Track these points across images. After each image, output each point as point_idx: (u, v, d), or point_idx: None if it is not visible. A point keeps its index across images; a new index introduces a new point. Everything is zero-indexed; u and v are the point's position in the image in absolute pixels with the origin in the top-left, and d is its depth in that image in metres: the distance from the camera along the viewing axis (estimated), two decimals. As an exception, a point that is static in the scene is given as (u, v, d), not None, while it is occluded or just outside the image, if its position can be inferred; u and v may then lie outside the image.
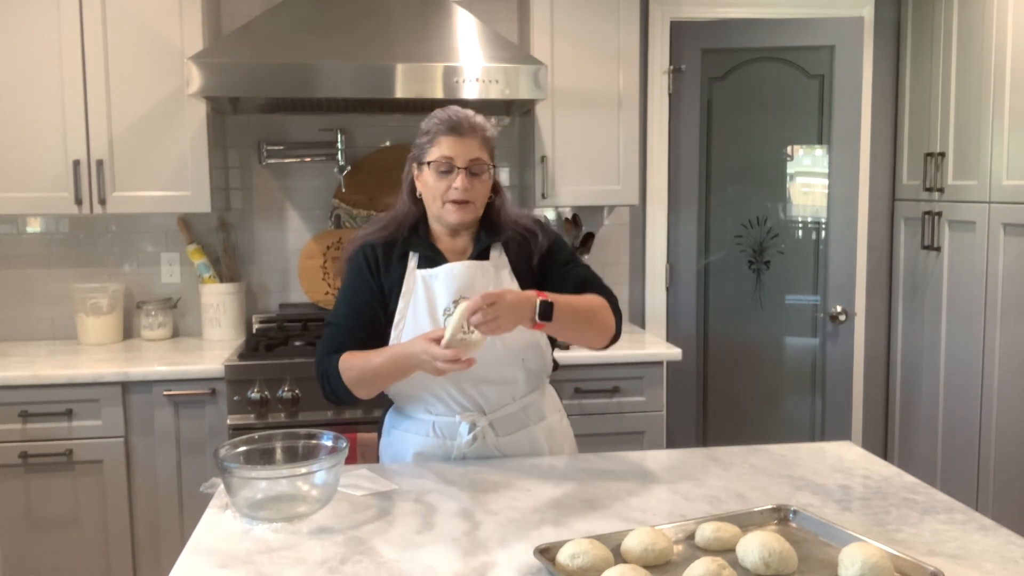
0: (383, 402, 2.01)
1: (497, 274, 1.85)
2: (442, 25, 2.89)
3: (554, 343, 1.93)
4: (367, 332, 1.83)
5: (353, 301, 1.85)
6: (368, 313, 1.84)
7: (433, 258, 1.84)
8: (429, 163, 1.79)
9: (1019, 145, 2.88)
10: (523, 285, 1.85)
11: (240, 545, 1.43)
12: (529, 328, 1.67)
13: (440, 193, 1.79)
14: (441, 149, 1.78)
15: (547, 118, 3.10)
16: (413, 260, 1.85)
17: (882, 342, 3.71)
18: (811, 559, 1.34)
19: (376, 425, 2.88)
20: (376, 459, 2.61)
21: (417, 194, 1.85)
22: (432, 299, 1.82)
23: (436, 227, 1.87)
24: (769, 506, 1.50)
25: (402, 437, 1.93)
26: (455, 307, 1.77)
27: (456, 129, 1.78)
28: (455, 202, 1.78)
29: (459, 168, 1.77)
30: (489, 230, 1.87)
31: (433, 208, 1.82)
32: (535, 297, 1.65)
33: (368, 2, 2.91)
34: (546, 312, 1.65)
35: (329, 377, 1.80)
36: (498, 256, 1.87)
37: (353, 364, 1.77)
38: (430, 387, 1.83)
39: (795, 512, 1.48)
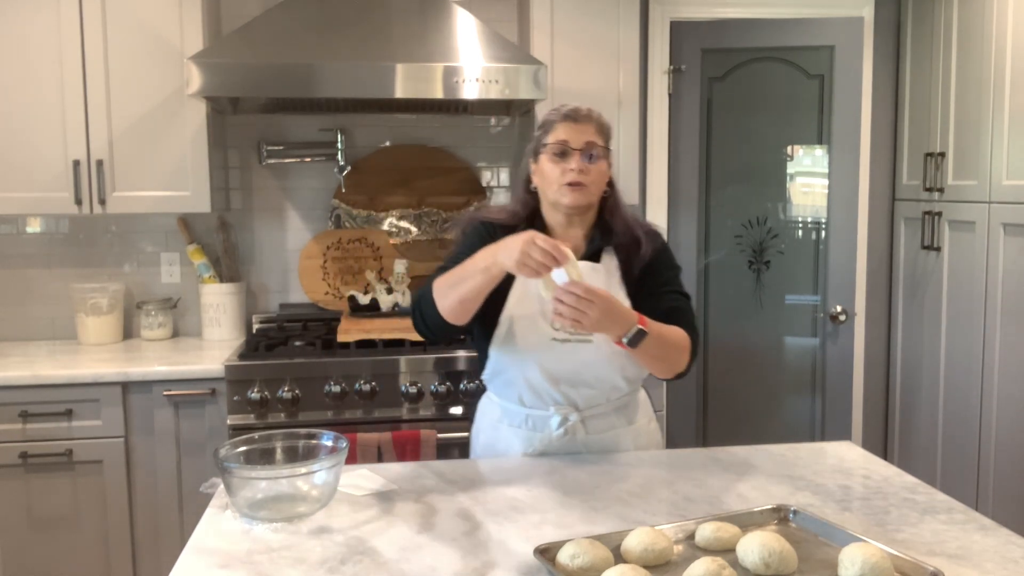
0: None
1: (608, 279, 1.85)
2: (442, 25, 2.89)
3: None
4: None
5: (469, 255, 1.78)
6: None
7: None
8: (545, 147, 1.81)
9: (1019, 145, 2.88)
10: (628, 294, 1.85)
11: (240, 545, 1.43)
12: (611, 341, 1.69)
13: (556, 177, 1.80)
14: (557, 134, 1.81)
15: (547, 118, 3.10)
16: None
17: (882, 342, 3.71)
18: (811, 559, 1.33)
19: (377, 425, 2.89)
20: (376, 459, 2.62)
21: (532, 186, 1.88)
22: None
23: (552, 217, 1.88)
24: (769, 506, 1.50)
25: (495, 424, 1.96)
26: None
27: (571, 116, 1.81)
28: (571, 184, 1.78)
29: (574, 150, 1.79)
30: (602, 231, 1.88)
31: (549, 193, 1.84)
32: (635, 322, 1.66)
33: (368, 2, 2.91)
34: (636, 341, 1.66)
35: (423, 298, 1.82)
36: (609, 260, 1.87)
37: (444, 278, 1.77)
38: (529, 378, 1.85)
39: (795, 512, 1.48)
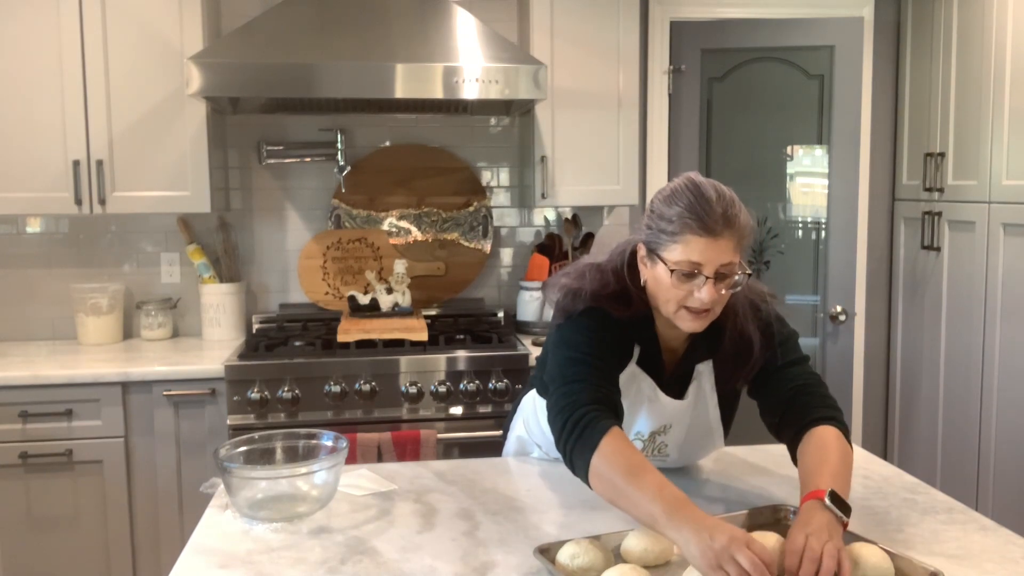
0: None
1: (699, 392, 1.65)
2: (442, 25, 2.89)
3: (728, 425, 1.77)
4: (615, 376, 1.56)
5: (603, 338, 1.55)
6: (617, 366, 1.58)
7: (655, 358, 1.62)
8: (668, 263, 1.46)
9: (1019, 145, 2.88)
10: (722, 401, 1.68)
11: (240, 545, 1.43)
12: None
13: (676, 298, 1.48)
14: (688, 252, 1.44)
15: (547, 118, 3.10)
16: (636, 351, 1.61)
17: (882, 342, 3.71)
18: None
19: (377, 425, 2.88)
20: (376, 459, 2.62)
21: (642, 281, 1.56)
22: (635, 411, 1.64)
23: (660, 318, 1.59)
24: (768, 506, 1.50)
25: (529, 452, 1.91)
26: (648, 434, 1.66)
27: (709, 228, 1.42)
28: (693, 310, 1.49)
29: (707, 277, 1.44)
30: (709, 336, 1.59)
31: (664, 308, 1.52)
32: (837, 518, 1.32)
33: (368, 2, 2.91)
34: (846, 509, 1.34)
35: (581, 436, 1.42)
36: (704, 372, 1.65)
37: (617, 457, 1.37)
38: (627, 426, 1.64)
39: (794, 511, 1.48)
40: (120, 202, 2.94)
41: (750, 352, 1.58)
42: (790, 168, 3.52)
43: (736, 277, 1.47)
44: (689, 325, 1.50)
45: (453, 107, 3.18)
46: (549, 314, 2.38)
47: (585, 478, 1.41)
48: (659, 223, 1.48)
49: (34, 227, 3.25)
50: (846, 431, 1.51)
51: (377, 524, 1.51)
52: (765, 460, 1.85)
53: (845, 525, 1.32)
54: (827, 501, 1.32)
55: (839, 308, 3.48)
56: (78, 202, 2.90)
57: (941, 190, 3.29)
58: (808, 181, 3.52)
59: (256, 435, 1.68)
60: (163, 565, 2.74)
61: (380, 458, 2.63)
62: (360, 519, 1.53)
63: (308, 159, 3.32)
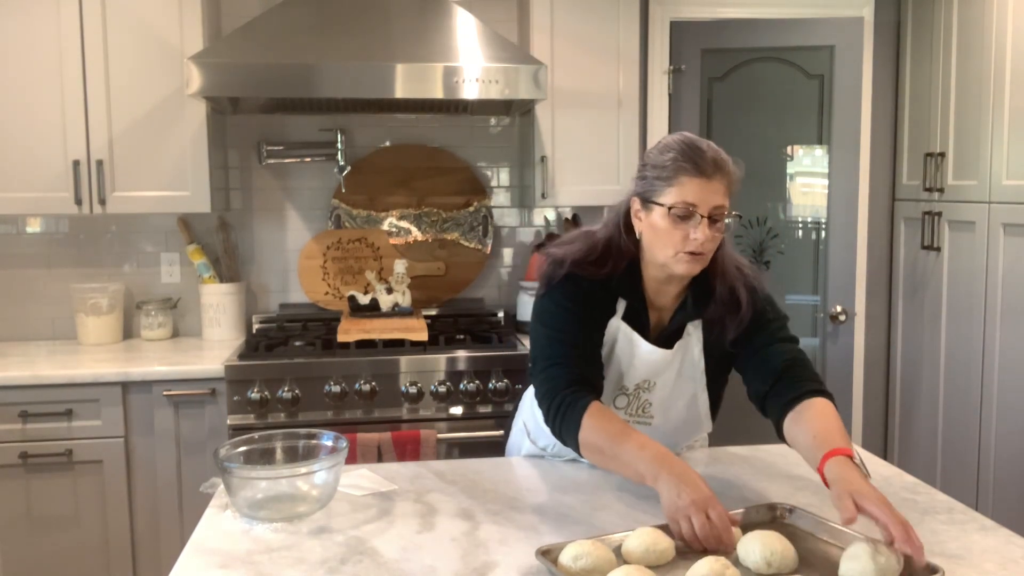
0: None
1: (686, 354, 1.70)
2: (442, 25, 2.89)
3: (716, 409, 1.82)
4: (593, 352, 1.65)
5: (577, 312, 1.63)
6: (595, 338, 1.66)
7: (640, 312, 1.67)
8: (666, 206, 1.54)
9: (1019, 145, 2.88)
10: (708, 366, 1.71)
11: (240, 545, 1.43)
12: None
13: (674, 242, 1.55)
14: (683, 193, 1.53)
15: (547, 118, 3.10)
16: (621, 307, 1.67)
17: (882, 342, 3.71)
18: (810, 557, 1.34)
19: (377, 425, 2.88)
20: (376, 459, 2.62)
21: (637, 234, 1.62)
22: (619, 366, 1.69)
23: (648, 275, 1.66)
24: (764, 504, 1.50)
25: (532, 452, 1.91)
26: (633, 387, 1.69)
27: (702, 168, 1.53)
28: (691, 253, 1.55)
29: (702, 216, 1.53)
30: (697, 295, 1.66)
31: (660, 255, 1.58)
32: (861, 472, 1.39)
33: (368, 2, 2.91)
34: (864, 469, 1.41)
35: (565, 417, 1.56)
36: (692, 334, 1.70)
37: (599, 429, 1.52)
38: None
39: (791, 510, 1.48)
40: (120, 202, 2.94)
41: (738, 308, 1.64)
42: (790, 168, 3.52)
43: (727, 220, 1.57)
44: (685, 268, 1.57)
45: (453, 107, 3.18)
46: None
47: (579, 452, 1.57)
48: (654, 171, 1.57)
49: (34, 227, 3.25)
50: (828, 390, 1.60)
51: (377, 524, 1.51)
52: (765, 460, 1.85)
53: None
54: (857, 460, 1.39)
55: (839, 308, 3.48)
56: (78, 202, 2.90)
57: (941, 190, 3.29)
58: (808, 181, 3.52)
59: (256, 435, 1.68)
60: (163, 565, 2.74)
61: (380, 458, 2.63)
62: (360, 519, 1.53)
63: (308, 159, 3.32)
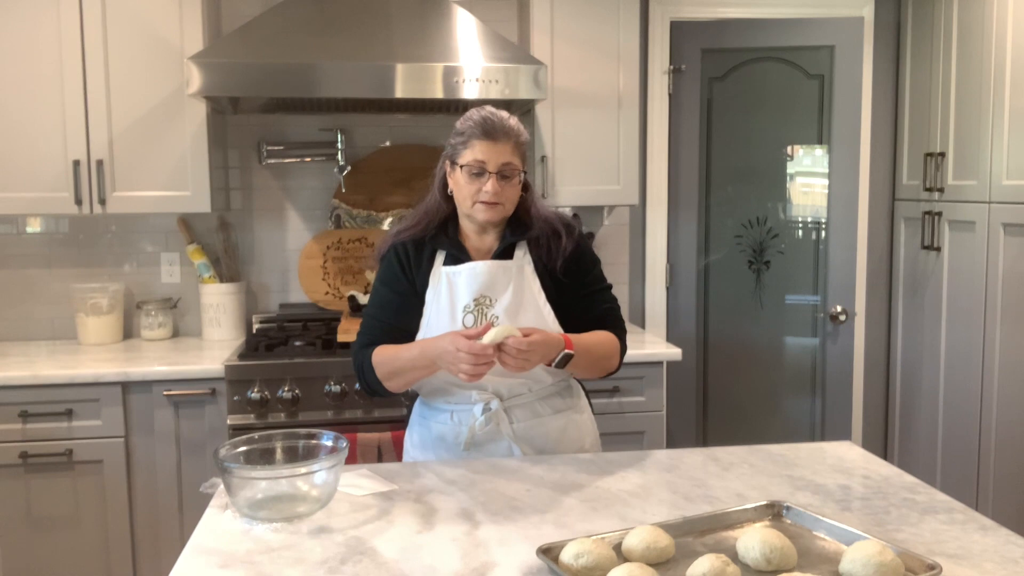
0: (397, 401, 2.03)
1: (519, 273, 1.89)
2: (442, 25, 2.89)
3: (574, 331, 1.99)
4: (402, 325, 1.89)
5: (386, 294, 1.92)
6: (402, 307, 1.91)
7: (459, 256, 1.89)
8: (461, 165, 1.83)
9: (1019, 145, 2.88)
10: (544, 285, 1.89)
11: (240, 545, 1.43)
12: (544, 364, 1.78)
13: (471, 194, 1.83)
14: (474, 152, 1.81)
15: (547, 118, 3.10)
16: (440, 257, 1.90)
17: (882, 342, 3.71)
18: (809, 554, 1.35)
19: (377, 425, 2.89)
20: (376, 459, 2.62)
21: (449, 191, 1.90)
22: (454, 297, 1.87)
23: (465, 225, 1.92)
24: (762, 502, 1.51)
25: (424, 427, 1.97)
26: (475, 305, 1.86)
27: (490, 133, 1.81)
28: (485, 203, 1.83)
29: (490, 172, 1.81)
30: (516, 227, 1.91)
31: (463, 207, 1.87)
32: (562, 347, 1.76)
33: (368, 2, 2.91)
34: (563, 363, 1.77)
35: (364, 371, 1.88)
36: (523, 255, 1.91)
37: (385, 357, 1.85)
38: (451, 377, 1.85)
39: (788, 508, 1.48)
40: (120, 202, 2.94)
41: (559, 237, 1.90)
42: (790, 168, 3.52)
43: (515, 179, 1.84)
44: (484, 215, 1.84)
45: (453, 107, 3.18)
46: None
47: (384, 391, 1.87)
48: (456, 138, 1.86)
49: (34, 227, 3.25)
50: (623, 351, 1.96)
51: (377, 524, 1.51)
52: (765, 460, 1.85)
53: (550, 363, 1.76)
54: (565, 351, 1.75)
55: (839, 308, 3.48)
56: (78, 202, 2.90)
57: (941, 190, 3.29)
58: (808, 181, 3.52)
59: (256, 435, 1.68)
60: (163, 565, 2.74)
61: (380, 458, 2.63)
62: (360, 519, 1.53)
63: (308, 159, 3.32)
